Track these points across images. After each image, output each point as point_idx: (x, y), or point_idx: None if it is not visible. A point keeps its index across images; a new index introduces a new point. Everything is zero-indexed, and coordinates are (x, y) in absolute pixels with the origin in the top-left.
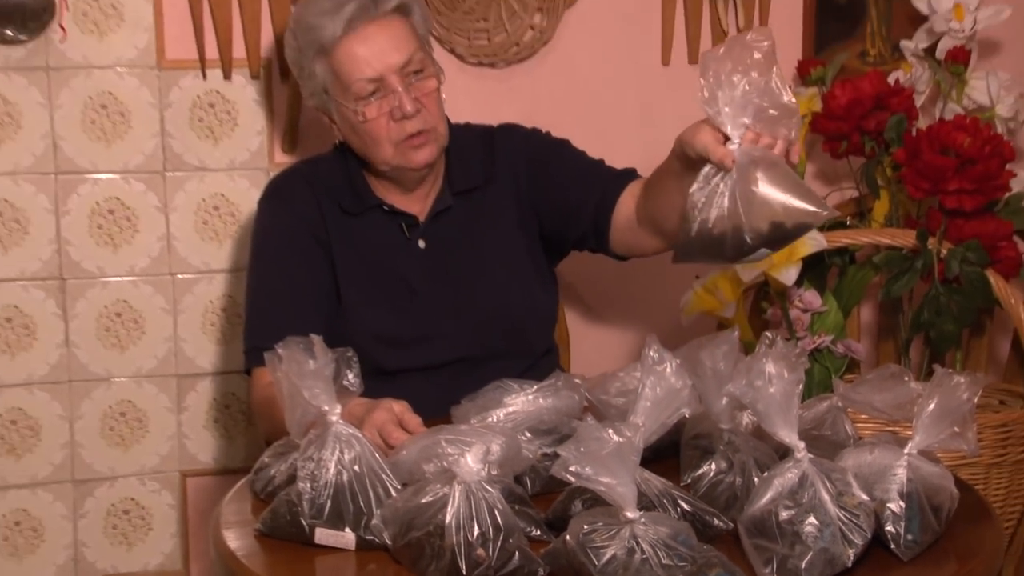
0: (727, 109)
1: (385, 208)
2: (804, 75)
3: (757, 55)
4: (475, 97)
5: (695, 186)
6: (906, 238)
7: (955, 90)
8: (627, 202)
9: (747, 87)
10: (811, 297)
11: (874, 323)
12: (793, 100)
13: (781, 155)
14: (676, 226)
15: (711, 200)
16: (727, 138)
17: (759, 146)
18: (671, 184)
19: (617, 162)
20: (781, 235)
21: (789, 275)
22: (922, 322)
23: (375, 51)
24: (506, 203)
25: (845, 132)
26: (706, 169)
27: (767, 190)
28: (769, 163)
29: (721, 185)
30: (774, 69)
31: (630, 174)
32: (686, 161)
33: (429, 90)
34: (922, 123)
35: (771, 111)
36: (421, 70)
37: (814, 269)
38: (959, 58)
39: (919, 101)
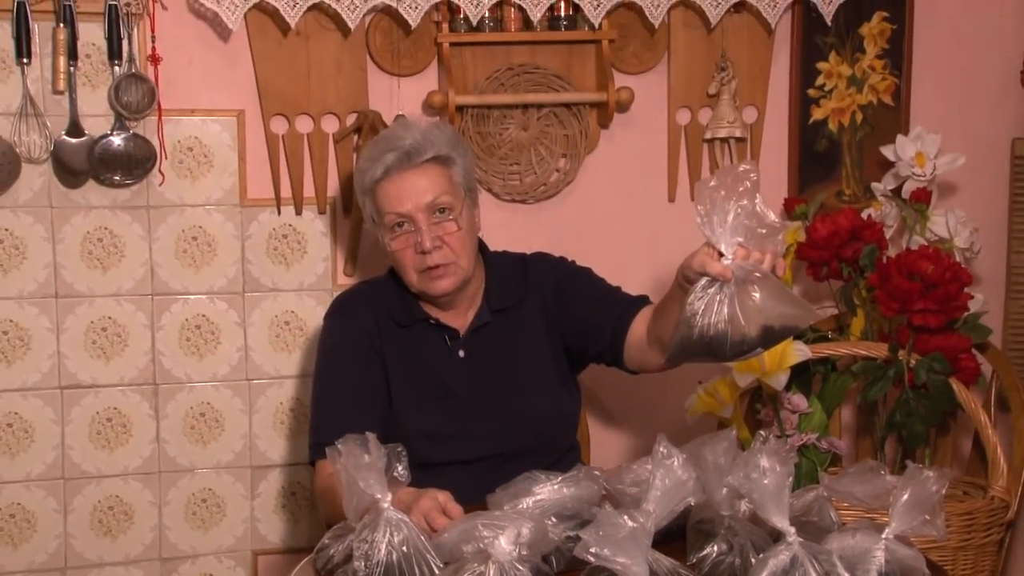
0: (720, 230)
1: (431, 322)
2: (790, 211)
3: (746, 184)
4: (509, 229)
5: (692, 296)
6: (880, 350)
7: (919, 224)
8: (639, 325)
9: (738, 211)
10: (798, 400)
11: (853, 423)
12: (777, 220)
13: (769, 268)
14: None
15: (710, 308)
16: (721, 255)
17: (750, 261)
18: (674, 308)
19: (631, 286)
20: (773, 336)
21: (779, 381)
22: (895, 422)
23: (405, 191)
24: (536, 320)
25: (825, 259)
26: (702, 282)
27: (760, 298)
28: (760, 275)
29: (719, 295)
30: (758, 195)
31: (643, 300)
32: (686, 286)
33: (451, 231)
34: (891, 252)
35: (759, 230)
36: (447, 210)
37: (801, 376)
38: (922, 198)
39: (888, 233)
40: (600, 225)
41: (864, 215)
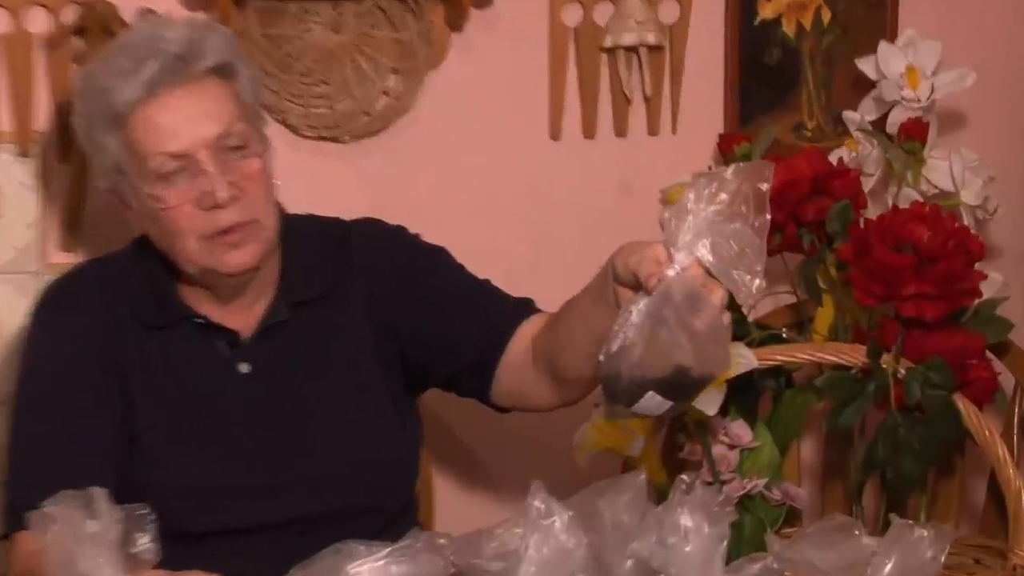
0: (687, 233)
1: (197, 321)
2: (726, 153)
3: (761, 187)
4: (314, 181)
5: (628, 314)
6: (855, 355)
7: (911, 172)
8: (521, 341)
9: (727, 220)
10: (739, 430)
11: (818, 462)
12: (760, 268)
13: (718, 306)
14: (588, 374)
15: (619, 330)
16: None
17: (697, 281)
18: (592, 317)
19: (499, 264)
20: (683, 384)
21: (711, 403)
22: (877, 460)
23: (182, 120)
24: (360, 320)
25: (778, 223)
26: (647, 299)
27: (681, 330)
28: (698, 302)
29: (634, 314)
30: (767, 214)
31: (527, 304)
32: (619, 290)
33: (252, 172)
34: (872, 212)
35: (733, 272)
36: (243, 146)
37: (742, 395)
38: (915, 133)
39: (867, 185)
40: (451, 176)
41: (833, 159)
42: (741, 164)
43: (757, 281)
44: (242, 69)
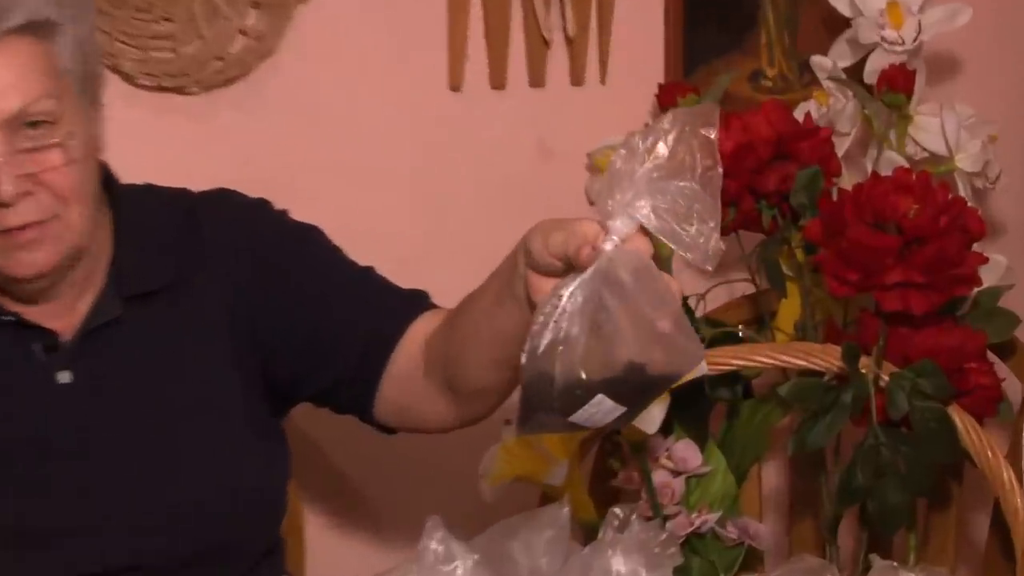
0: (622, 196)
1: (5, 319)
2: (667, 107)
3: (707, 133)
4: (153, 143)
5: (547, 308)
6: (827, 357)
7: (894, 131)
8: (413, 344)
9: (668, 176)
10: (685, 452)
11: (784, 490)
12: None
13: (675, 285)
14: (495, 385)
15: (548, 320)
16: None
17: (645, 255)
18: (497, 315)
19: (386, 247)
20: (639, 384)
21: (650, 418)
22: (855, 488)
23: None
24: (211, 318)
25: (731, 194)
26: (572, 285)
27: (630, 316)
28: (650, 281)
29: (566, 299)
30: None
31: (420, 299)
32: (531, 277)
33: (52, 163)
34: (846, 180)
35: (684, 226)
36: (47, 124)
37: (689, 408)
38: (898, 83)
39: (841, 147)
40: (325, 137)
41: (799, 115)
42: (680, 108)
43: (713, 239)
44: (67, 27)
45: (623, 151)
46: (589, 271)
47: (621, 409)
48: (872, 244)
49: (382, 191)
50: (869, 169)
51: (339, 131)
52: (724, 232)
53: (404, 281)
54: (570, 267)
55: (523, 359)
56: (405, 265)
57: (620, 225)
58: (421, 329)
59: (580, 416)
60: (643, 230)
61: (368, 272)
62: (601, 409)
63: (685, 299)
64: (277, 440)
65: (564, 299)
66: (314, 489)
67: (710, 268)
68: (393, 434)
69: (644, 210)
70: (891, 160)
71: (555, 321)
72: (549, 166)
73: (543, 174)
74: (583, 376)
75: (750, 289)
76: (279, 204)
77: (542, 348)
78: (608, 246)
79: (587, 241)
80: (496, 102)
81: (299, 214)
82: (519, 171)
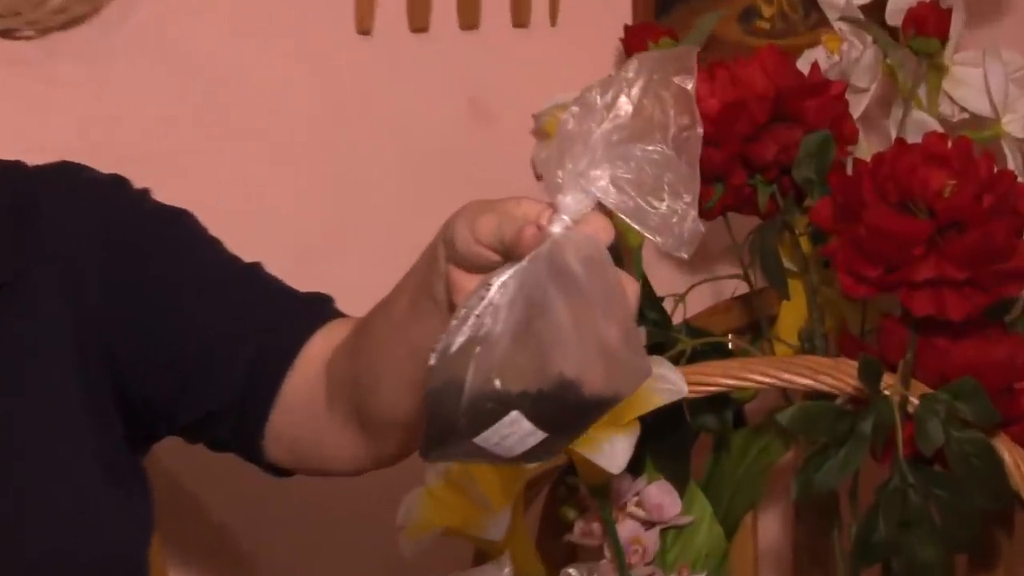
0: (575, 165)
1: None
2: (635, 49)
3: (683, 83)
4: None
5: (471, 304)
6: (840, 375)
7: (925, 86)
8: (312, 363)
9: (632, 138)
10: (660, 496)
11: (786, 545)
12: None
13: (634, 283)
14: (414, 416)
15: (468, 317)
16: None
17: (601, 241)
18: (410, 324)
19: (277, 235)
20: (568, 406)
21: (614, 454)
22: (876, 542)
23: None
24: (53, 324)
25: (718, 167)
26: (503, 277)
27: (572, 318)
28: (603, 274)
29: (495, 291)
30: (697, 124)
31: (321, 306)
32: (453, 273)
33: None
34: (864, 149)
35: (652, 201)
36: None
37: (665, 440)
38: (930, 25)
39: (858, 107)
40: (198, 92)
41: (804, 65)
42: (647, 53)
43: (689, 217)
44: None
45: (576, 108)
46: (529, 257)
47: (541, 435)
48: (897, 230)
49: (272, 165)
50: (893, 134)
51: (215, 86)
52: (710, 215)
53: (302, 281)
54: (507, 259)
55: (432, 360)
56: (303, 260)
57: (571, 201)
58: (322, 344)
59: (489, 438)
60: (604, 210)
61: (255, 269)
62: (515, 431)
63: (660, 300)
64: (136, 483)
65: (493, 289)
66: (183, 546)
67: (685, 256)
68: (288, 476)
69: (601, 181)
70: (921, 123)
71: (477, 315)
72: (485, 131)
73: (477, 141)
74: (497, 385)
75: (743, 288)
76: (139, 181)
77: (456, 347)
78: (557, 228)
79: (528, 222)
80: (417, 49)
81: (164, 194)
82: (447, 137)
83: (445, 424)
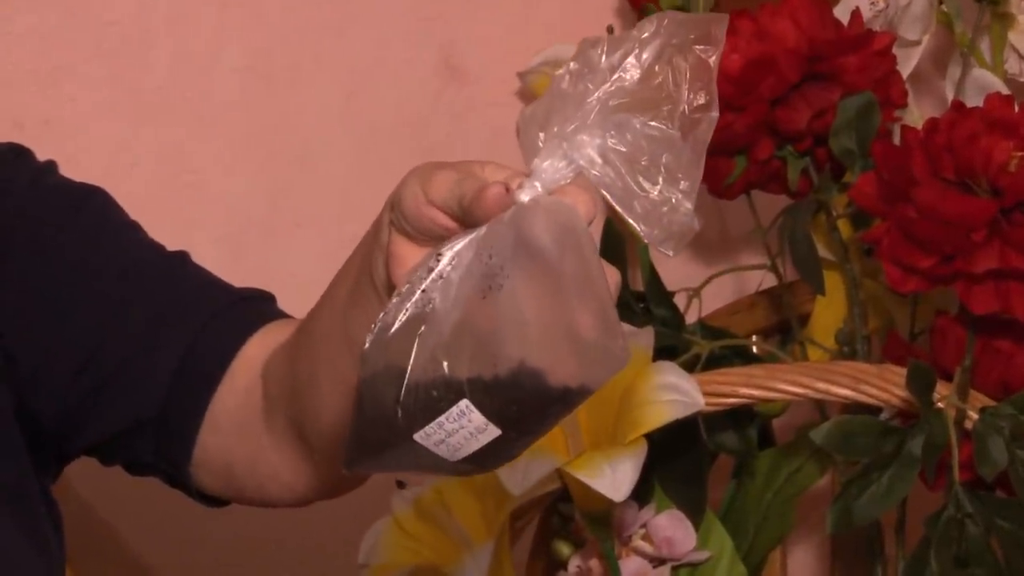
0: (562, 127)
1: None
2: (638, 7)
3: (705, 56)
4: None
5: (413, 282)
6: (886, 384)
7: (988, 39)
8: (247, 371)
9: (636, 108)
10: (671, 528)
11: None
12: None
13: (609, 269)
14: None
15: (413, 292)
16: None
17: (578, 211)
18: (352, 317)
19: (209, 218)
20: (529, 398)
21: (616, 479)
22: None
23: None
24: None
25: (740, 136)
26: (459, 245)
27: (535, 297)
28: (577, 248)
29: (446, 261)
30: (714, 107)
31: (258, 304)
32: (396, 247)
33: None
34: (915, 115)
35: (642, 183)
36: None
37: (677, 463)
38: None
39: (908, 64)
40: (99, 39)
41: (842, 13)
42: (670, 12)
43: (682, 209)
44: None
45: (574, 64)
46: (489, 224)
47: (494, 431)
48: (954, 212)
49: (199, 128)
50: (950, 97)
51: (121, 30)
52: (730, 193)
53: (235, 275)
54: (464, 227)
55: (366, 344)
56: (236, 249)
57: (548, 167)
58: (259, 349)
59: (431, 434)
60: (588, 185)
61: (180, 259)
62: (463, 426)
63: (671, 294)
64: (46, 518)
65: (444, 260)
66: None
67: (670, 253)
68: (221, 506)
69: (587, 148)
70: (983, 83)
71: (423, 291)
72: (458, 92)
73: (449, 104)
74: (444, 368)
75: (769, 281)
76: (40, 153)
77: (396, 327)
78: (525, 196)
79: (494, 183)
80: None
81: (72, 171)
82: (412, 100)
83: (379, 419)
